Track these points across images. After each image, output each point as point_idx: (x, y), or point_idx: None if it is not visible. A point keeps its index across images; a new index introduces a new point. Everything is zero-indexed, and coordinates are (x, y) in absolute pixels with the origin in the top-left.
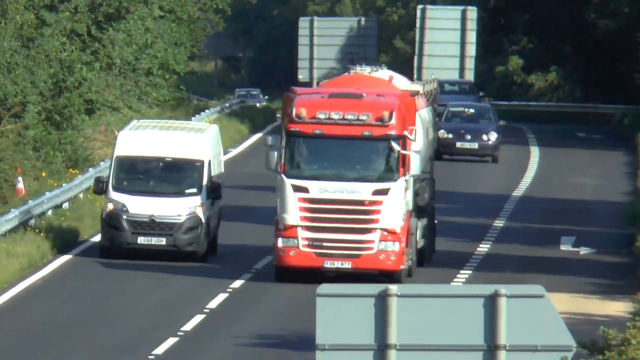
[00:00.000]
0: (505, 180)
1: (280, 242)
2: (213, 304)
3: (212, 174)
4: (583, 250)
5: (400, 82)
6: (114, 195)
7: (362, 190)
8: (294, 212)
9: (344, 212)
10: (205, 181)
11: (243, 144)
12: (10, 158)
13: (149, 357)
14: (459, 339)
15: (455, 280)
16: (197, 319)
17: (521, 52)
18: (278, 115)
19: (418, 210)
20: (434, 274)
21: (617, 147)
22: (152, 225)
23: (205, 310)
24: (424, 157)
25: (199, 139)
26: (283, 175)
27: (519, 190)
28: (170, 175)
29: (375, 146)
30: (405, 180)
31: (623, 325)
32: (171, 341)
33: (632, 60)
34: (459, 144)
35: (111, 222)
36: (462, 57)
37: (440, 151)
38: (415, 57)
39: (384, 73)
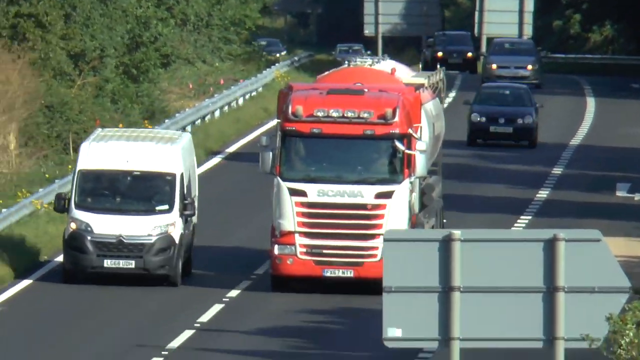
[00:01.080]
0: (563, 129)
1: (276, 250)
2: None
3: (185, 188)
4: (638, 196)
5: (404, 74)
6: (77, 213)
7: (364, 194)
8: (290, 218)
9: (345, 217)
10: (177, 197)
11: None
12: (89, 110)
13: None
14: (519, 281)
15: (515, 225)
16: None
17: (578, 6)
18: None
19: (425, 211)
20: (495, 220)
21: None
22: (119, 247)
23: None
24: (431, 154)
25: (169, 150)
26: (279, 178)
27: (576, 140)
28: (139, 191)
29: (378, 146)
30: (411, 182)
31: None
32: None
33: None
34: (492, 128)
35: (74, 243)
36: (521, 11)
37: (472, 136)
38: (476, 13)
39: (386, 64)
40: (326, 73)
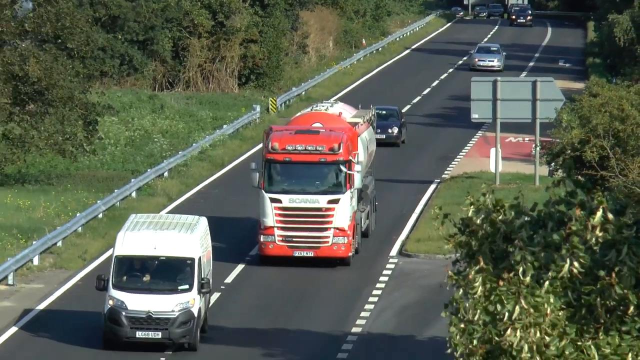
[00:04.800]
0: None
1: (262, 238)
2: None
3: (202, 269)
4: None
5: (347, 115)
6: (114, 292)
7: (320, 201)
8: (271, 217)
9: (307, 216)
10: (196, 277)
11: None
12: None
13: None
14: None
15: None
16: None
17: None
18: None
19: (363, 201)
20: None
21: None
22: (148, 321)
23: None
24: (366, 166)
25: (189, 238)
26: (263, 191)
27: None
28: (164, 273)
29: (329, 168)
30: (351, 192)
31: None
32: None
33: None
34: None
35: (112, 317)
36: None
37: None
38: None
39: (335, 109)
40: (297, 114)
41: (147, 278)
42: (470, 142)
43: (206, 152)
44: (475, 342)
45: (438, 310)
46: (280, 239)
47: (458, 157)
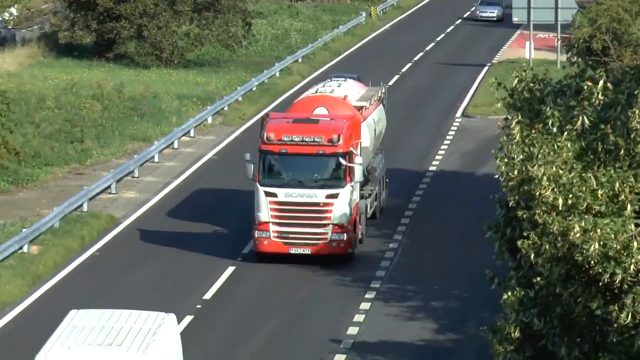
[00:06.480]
0: None
1: (256, 234)
2: None
3: None
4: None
5: (355, 95)
6: None
7: (317, 195)
8: (266, 212)
9: (304, 211)
10: None
11: None
12: None
13: None
14: None
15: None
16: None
17: None
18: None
19: (371, 183)
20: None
21: None
22: None
23: None
24: (373, 149)
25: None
26: (258, 184)
27: None
28: None
29: (328, 161)
30: (351, 186)
31: None
32: None
33: None
34: None
35: None
36: None
37: None
38: None
39: (342, 90)
40: (300, 97)
41: None
42: (512, 38)
43: (327, 45)
44: (515, 172)
45: (492, 155)
46: (276, 235)
47: (503, 48)
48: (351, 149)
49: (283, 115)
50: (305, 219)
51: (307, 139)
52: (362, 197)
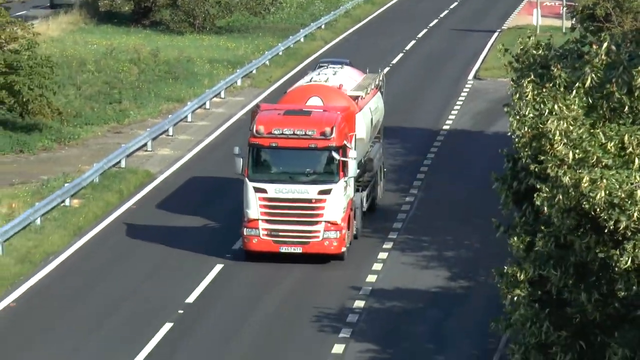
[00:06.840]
0: None
1: (245, 232)
2: None
3: None
4: None
5: (352, 83)
6: None
7: (309, 191)
8: (255, 208)
9: (296, 208)
10: None
11: None
12: None
13: None
14: None
15: None
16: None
17: None
18: None
19: (368, 173)
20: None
21: None
22: None
23: None
24: (370, 139)
25: None
26: (247, 179)
27: None
28: None
29: (320, 155)
30: (345, 181)
31: None
32: None
33: None
34: None
35: None
36: None
37: None
38: None
39: (337, 78)
40: (294, 86)
41: None
42: (520, 6)
43: (349, 12)
44: (526, 128)
45: (501, 115)
46: (265, 232)
47: (512, 15)
48: (345, 142)
49: (274, 107)
50: (296, 216)
51: (298, 132)
52: (357, 189)
